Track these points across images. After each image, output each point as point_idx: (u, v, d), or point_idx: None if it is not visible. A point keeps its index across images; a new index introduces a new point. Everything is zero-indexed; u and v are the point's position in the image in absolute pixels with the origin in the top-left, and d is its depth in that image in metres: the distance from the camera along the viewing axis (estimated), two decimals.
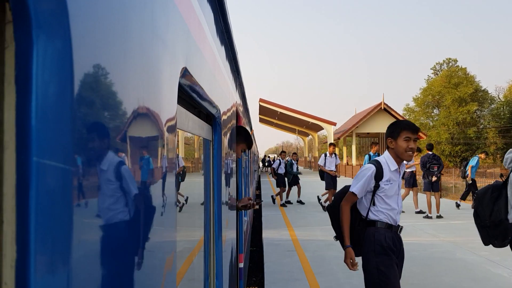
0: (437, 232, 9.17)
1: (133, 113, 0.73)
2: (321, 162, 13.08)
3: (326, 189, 12.87)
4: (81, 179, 0.53)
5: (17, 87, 0.43)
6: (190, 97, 1.56)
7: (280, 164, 15.51)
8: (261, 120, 48.40)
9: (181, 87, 1.24)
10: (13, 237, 0.42)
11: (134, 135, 0.74)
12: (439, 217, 11.25)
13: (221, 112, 2.34)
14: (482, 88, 57.59)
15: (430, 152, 11.27)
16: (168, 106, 0.99)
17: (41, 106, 0.44)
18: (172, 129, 1.04)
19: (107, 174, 0.62)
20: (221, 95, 2.36)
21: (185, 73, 1.22)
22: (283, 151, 16.69)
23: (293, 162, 15.38)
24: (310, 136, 56.39)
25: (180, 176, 1.82)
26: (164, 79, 0.96)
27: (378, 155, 11.95)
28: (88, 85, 0.55)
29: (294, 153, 17.79)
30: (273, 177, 15.63)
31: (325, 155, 13.03)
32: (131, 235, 0.73)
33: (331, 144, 13.34)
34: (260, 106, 37.52)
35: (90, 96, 0.56)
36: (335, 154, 13.13)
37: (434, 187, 11.12)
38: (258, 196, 14.89)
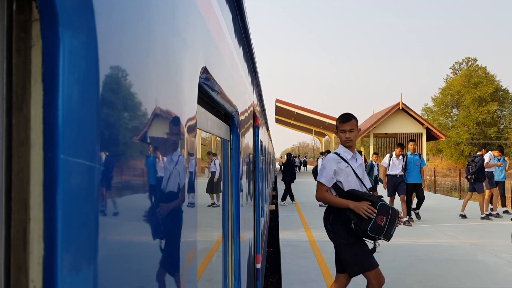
0: (457, 234, 9.02)
1: (157, 113, 0.73)
2: (384, 163, 10.83)
3: (388, 196, 10.43)
4: (108, 177, 0.53)
5: (44, 84, 0.44)
6: (209, 96, 1.56)
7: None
8: (277, 121, 48.34)
9: (200, 87, 1.24)
10: (40, 234, 0.43)
11: (157, 135, 0.74)
12: (485, 217, 10.74)
13: (239, 112, 2.34)
14: (503, 88, 56.55)
15: (478, 153, 11.24)
16: (189, 106, 0.99)
17: (67, 104, 0.45)
18: (193, 129, 1.04)
19: (131, 172, 0.62)
20: (239, 95, 2.36)
21: (204, 72, 1.22)
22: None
23: (374, 163, 13.01)
24: (327, 137, 56.06)
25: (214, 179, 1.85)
26: (185, 78, 0.96)
27: (419, 155, 11.37)
28: (113, 83, 0.55)
29: (375, 153, 14.62)
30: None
31: (390, 156, 10.73)
32: (154, 233, 0.73)
33: (399, 144, 10.86)
34: (277, 107, 37.46)
35: (115, 94, 0.56)
36: (403, 155, 10.63)
37: (476, 188, 10.78)
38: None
